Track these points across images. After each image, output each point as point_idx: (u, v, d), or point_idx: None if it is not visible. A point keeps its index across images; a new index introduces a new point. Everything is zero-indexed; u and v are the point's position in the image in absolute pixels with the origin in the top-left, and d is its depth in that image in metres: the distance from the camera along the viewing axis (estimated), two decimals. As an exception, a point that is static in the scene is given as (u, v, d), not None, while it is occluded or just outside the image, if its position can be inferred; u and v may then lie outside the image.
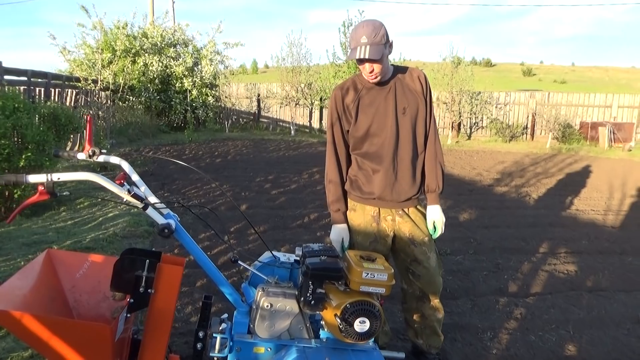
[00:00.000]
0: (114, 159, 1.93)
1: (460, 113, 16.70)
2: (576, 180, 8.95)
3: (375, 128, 2.28)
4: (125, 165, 1.91)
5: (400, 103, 2.28)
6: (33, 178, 1.54)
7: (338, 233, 2.37)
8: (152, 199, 1.87)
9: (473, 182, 8.48)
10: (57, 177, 1.55)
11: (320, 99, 17.57)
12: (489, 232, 5.29)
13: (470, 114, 16.97)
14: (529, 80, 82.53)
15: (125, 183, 1.75)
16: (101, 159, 1.92)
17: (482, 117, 17.24)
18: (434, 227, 2.38)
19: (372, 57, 2.07)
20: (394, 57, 17.10)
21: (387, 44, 2.17)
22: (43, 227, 4.94)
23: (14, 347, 2.55)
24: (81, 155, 1.91)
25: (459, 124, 17.13)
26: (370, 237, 2.36)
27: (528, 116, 17.05)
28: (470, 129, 17.46)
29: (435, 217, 2.37)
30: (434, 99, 16.03)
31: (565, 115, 16.40)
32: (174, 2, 20.48)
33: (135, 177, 1.89)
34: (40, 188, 1.56)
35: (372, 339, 1.98)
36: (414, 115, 2.30)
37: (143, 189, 1.87)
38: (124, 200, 1.66)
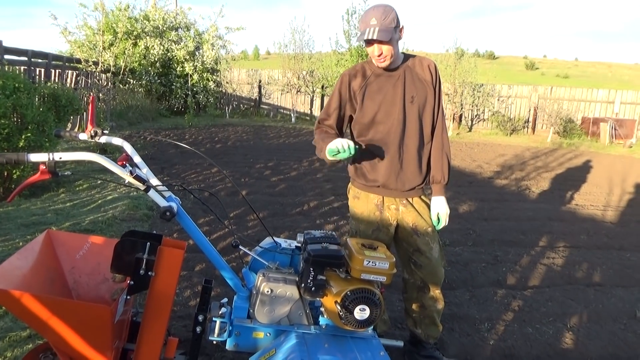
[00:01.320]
0: (117, 140, 1.91)
1: (462, 105, 16.64)
2: (576, 175, 8.94)
3: (381, 115, 2.26)
4: (128, 147, 1.89)
5: (409, 91, 2.25)
6: (35, 157, 1.53)
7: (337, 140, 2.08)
8: (154, 181, 1.85)
9: (473, 175, 8.47)
10: (59, 156, 1.53)
11: (322, 86, 17.48)
12: (488, 224, 5.29)
13: (472, 106, 16.91)
14: (531, 74, 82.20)
15: (127, 165, 1.74)
16: (103, 139, 1.90)
17: (484, 110, 17.18)
18: (438, 219, 2.37)
19: (380, 38, 2.06)
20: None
21: (397, 28, 2.15)
22: (42, 208, 4.92)
23: (11, 326, 2.55)
24: (83, 136, 1.89)
25: (460, 116, 17.07)
26: (373, 225, 2.36)
27: (530, 110, 16.99)
28: (472, 121, 17.40)
29: (440, 208, 2.37)
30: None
31: (567, 110, 16.34)
32: (176, -15, 20.23)
33: (137, 159, 1.87)
34: (42, 167, 1.54)
35: (372, 327, 1.98)
36: (422, 105, 2.27)
37: (145, 171, 1.85)
38: (126, 182, 1.65)
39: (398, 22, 2.15)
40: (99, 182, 6.05)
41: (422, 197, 2.41)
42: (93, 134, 1.87)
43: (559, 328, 3.01)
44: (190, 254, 3.74)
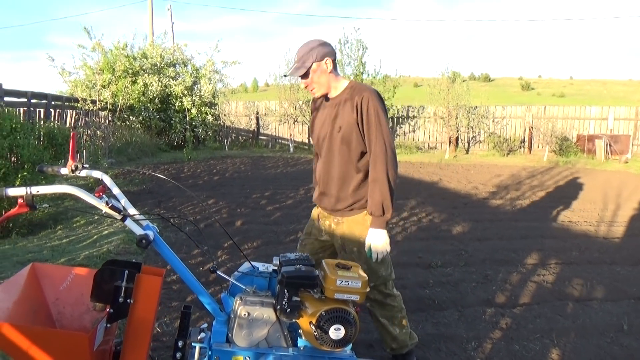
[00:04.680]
0: (96, 173, 1.99)
1: (457, 127, 16.82)
2: (571, 193, 8.99)
3: (317, 140, 2.53)
4: (107, 179, 1.98)
5: (338, 122, 2.38)
6: (12, 191, 1.61)
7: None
8: (132, 210, 1.93)
9: (468, 196, 8.53)
10: (36, 190, 1.62)
11: (319, 115, 17.71)
12: (480, 244, 5.32)
13: (468, 129, 17.09)
14: (527, 95, 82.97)
15: (103, 196, 1.81)
16: (83, 173, 1.98)
17: (480, 131, 17.35)
18: (370, 250, 2.35)
19: (293, 74, 2.35)
20: (391, 73, 17.31)
21: (321, 62, 2.34)
22: (38, 246, 4.99)
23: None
24: (64, 170, 1.98)
25: (457, 139, 17.23)
26: (308, 230, 2.66)
27: (525, 130, 17.16)
28: (468, 143, 17.56)
29: (372, 240, 2.34)
30: (430, 113, 15.86)
31: (562, 128, 16.50)
32: (173, 23, 20.84)
33: (116, 190, 1.95)
34: (20, 201, 1.62)
35: (349, 346, 2.02)
36: (347, 136, 2.36)
37: (123, 202, 1.93)
38: (103, 212, 1.72)
39: (320, 55, 2.32)
40: (96, 217, 6.13)
41: (358, 217, 2.43)
42: (74, 168, 1.95)
43: (546, 344, 3.02)
44: (182, 284, 3.78)
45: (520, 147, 17.07)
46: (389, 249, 2.38)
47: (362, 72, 16.47)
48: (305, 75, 2.35)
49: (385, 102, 16.82)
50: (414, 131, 18.10)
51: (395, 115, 17.88)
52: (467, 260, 4.74)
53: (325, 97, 2.48)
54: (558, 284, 4.07)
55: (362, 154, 2.40)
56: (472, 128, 17.13)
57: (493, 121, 17.36)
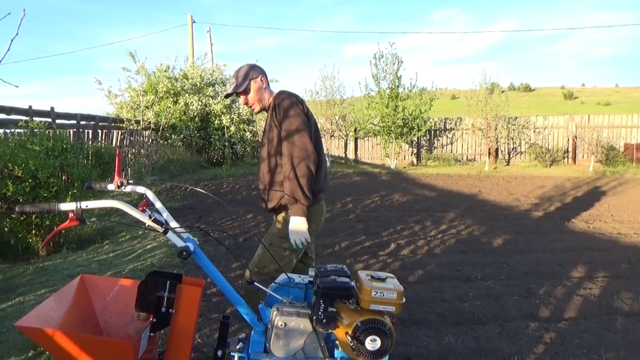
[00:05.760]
0: (140, 189, 2.09)
1: (497, 139, 16.49)
2: (620, 204, 8.62)
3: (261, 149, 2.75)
4: (150, 194, 2.07)
5: (266, 127, 2.67)
6: (64, 206, 1.72)
7: None
8: (173, 224, 2.01)
9: (509, 208, 8.32)
10: (85, 204, 1.72)
11: (355, 130, 17.78)
12: (522, 257, 5.18)
13: (508, 140, 16.72)
14: (570, 104, 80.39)
15: (147, 210, 1.90)
16: (128, 189, 2.09)
17: (520, 142, 16.94)
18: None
19: (233, 91, 2.64)
20: (427, 86, 17.20)
21: (254, 80, 2.63)
22: (87, 260, 5.21)
23: (53, 369, 2.72)
24: (111, 186, 2.09)
25: (497, 150, 16.87)
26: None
27: (568, 139, 16.62)
28: (509, 154, 17.16)
29: (290, 226, 2.51)
30: (468, 125, 15.66)
31: (608, 137, 15.88)
32: (212, 45, 21.48)
33: (158, 205, 2.04)
34: (71, 215, 1.73)
35: (386, 358, 2.02)
36: (272, 137, 2.61)
37: (165, 215, 2.02)
38: (146, 224, 1.81)
39: (255, 74, 2.63)
40: (140, 232, 6.35)
41: (285, 215, 2.62)
42: (119, 184, 2.06)
43: (594, 360, 2.90)
44: (222, 297, 3.86)
45: (563, 158, 16.55)
46: (308, 237, 2.50)
47: (398, 86, 16.45)
48: (245, 92, 2.63)
49: (423, 115, 16.65)
50: (451, 143, 17.86)
51: (432, 128, 17.71)
52: (509, 273, 4.62)
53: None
54: (606, 298, 3.91)
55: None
56: (512, 139, 16.75)
57: (534, 131, 16.92)
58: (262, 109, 2.70)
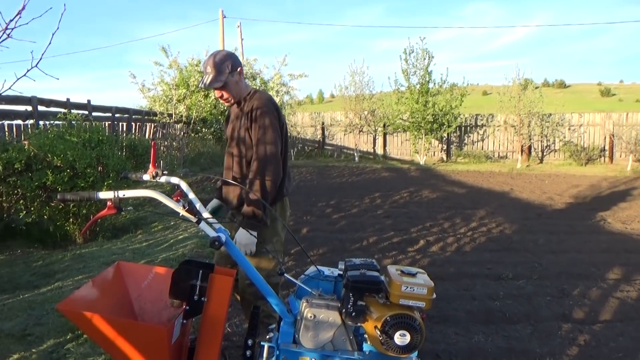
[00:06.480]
0: (174, 180, 2.14)
1: (530, 136, 16.11)
2: (660, 204, 8.30)
3: (228, 142, 2.60)
4: (183, 185, 2.11)
5: (239, 125, 2.50)
6: (103, 195, 1.77)
7: None
8: (205, 214, 2.05)
9: (542, 207, 8.13)
10: (122, 194, 1.77)
11: (384, 125, 17.67)
12: (556, 257, 5.06)
13: (541, 137, 16.31)
14: (607, 101, 77.79)
15: (181, 200, 1.94)
16: (163, 179, 2.14)
17: (554, 140, 16.50)
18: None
19: (212, 86, 2.37)
20: (458, 81, 16.93)
21: (233, 73, 2.42)
22: (121, 248, 5.36)
23: (89, 352, 2.81)
24: (146, 177, 2.14)
25: (529, 147, 16.49)
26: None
27: (605, 138, 16.09)
28: (542, 152, 16.74)
29: (238, 237, 2.39)
30: (500, 122, 15.29)
31: (648, 135, 15.31)
32: (242, 40, 21.63)
33: (191, 195, 2.08)
34: (109, 203, 1.78)
35: (415, 353, 2.01)
36: (242, 138, 2.48)
37: (198, 206, 2.06)
38: (180, 214, 1.85)
39: (233, 66, 2.41)
40: (172, 223, 6.49)
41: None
42: (154, 175, 2.11)
43: (630, 364, 2.82)
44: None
45: (600, 156, 16.03)
46: (254, 249, 2.42)
47: (428, 82, 16.24)
48: (222, 87, 2.41)
49: (453, 111, 16.38)
50: (482, 140, 17.54)
51: (463, 124, 17.42)
52: (541, 273, 4.52)
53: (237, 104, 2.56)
54: (644, 301, 3.78)
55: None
56: (546, 136, 16.33)
57: (569, 129, 16.45)
58: (235, 103, 2.53)
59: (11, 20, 1.83)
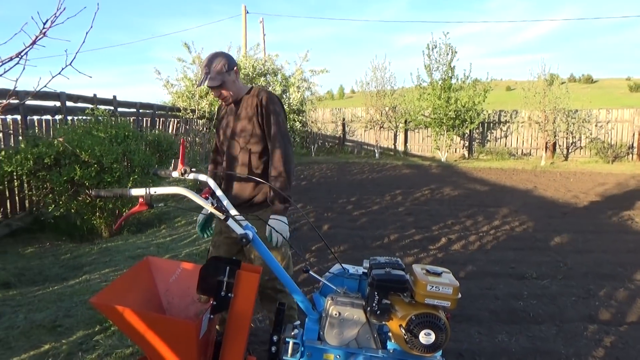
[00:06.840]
0: (202, 177, 2.18)
1: (555, 133, 15.81)
2: (690, 204, 8.07)
3: (223, 141, 2.66)
4: (211, 183, 2.15)
5: (241, 121, 2.57)
6: (135, 192, 1.82)
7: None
8: (233, 211, 2.08)
9: (567, 205, 7.98)
10: (154, 191, 1.81)
11: (405, 121, 17.55)
12: (581, 256, 4.97)
13: (567, 134, 16.00)
14: (636, 96, 75.68)
15: (209, 197, 1.98)
16: (191, 176, 2.18)
17: (580, 137, 16.16)
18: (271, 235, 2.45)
19: (210, 85, 2.47)
20: (482, 77, 16.69)
21: (230, 72, 2.52)
22: (146, 242, 5.47)
23: (117, 344, 2.89)
24: (175, 174, 2.18)
25: (554, 144, 16.18)
26: (217, 228, 2.66)
27: (634, 134, 15.69)
28: (567, 149, 16.42)
29: (276, 225, 2.44)
30: (524, 118, 15.04)
31: (679, 132, 14.88)
32: (264, 35, 21.72)
33: (219, 193, 2.12)
34: (141, 200, 1.83)
35: (440, 352, 2.01)
36: (248, 131, 2.55)
37: (225, 203, 2.09)
38: (208, 212, 1.88)
39: (229, 66, 2.51)
40: (195, 218, 6.58)
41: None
42: (183, 172, 2.15)
43: (659, 367, 2.76)
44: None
45: (628, 154, 15.65)
46: (287, 235, 2.48)
47: (451, 77, 16.06)
48: (221, 86, 2.51)
49: (476, 107, 16.16)
50: (506, 136, 17.29)
51: (486, 120, 17.20)
52: (566, 273, 4.45)
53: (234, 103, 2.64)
54: (673, 304, 3.70)
55: (264, 150, 2.59)
56: (571, 133, 16.01)
57: (596, 125, 16.09)
58: (234, 101, 2.63)
59: (47, 20, 1.88)
